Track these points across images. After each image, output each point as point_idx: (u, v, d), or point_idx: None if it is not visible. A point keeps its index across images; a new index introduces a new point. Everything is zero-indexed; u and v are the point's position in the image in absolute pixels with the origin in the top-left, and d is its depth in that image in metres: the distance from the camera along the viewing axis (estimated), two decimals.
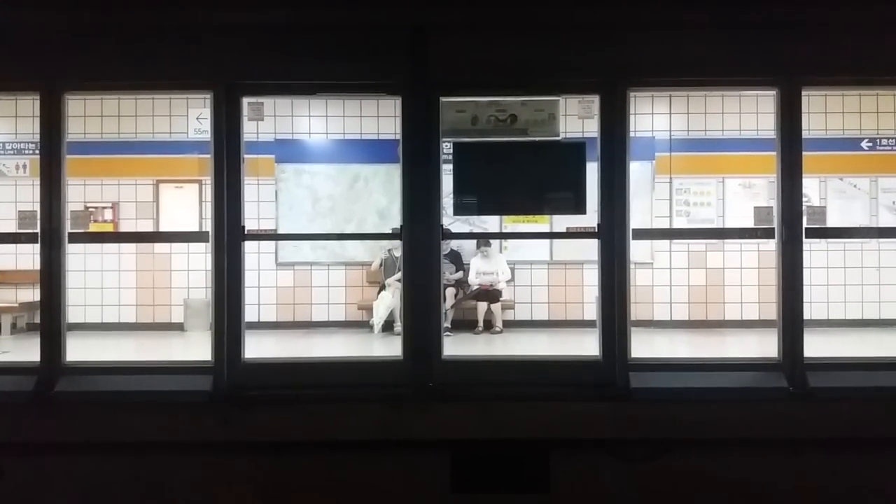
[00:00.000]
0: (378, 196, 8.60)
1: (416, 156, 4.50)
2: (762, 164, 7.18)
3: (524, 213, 7.76)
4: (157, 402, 4.36)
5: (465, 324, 8.25)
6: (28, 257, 7.01)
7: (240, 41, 4.46)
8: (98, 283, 8.37)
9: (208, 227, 4.58)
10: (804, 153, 4.49)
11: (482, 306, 8.17)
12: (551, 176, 4.77)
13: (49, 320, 4.51)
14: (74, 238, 4.65)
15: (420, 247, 4.48)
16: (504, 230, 8.63)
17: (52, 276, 4.50)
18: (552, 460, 4.40)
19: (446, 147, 5.02)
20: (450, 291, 8.02)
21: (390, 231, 6.41)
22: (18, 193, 8.26)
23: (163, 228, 8.54)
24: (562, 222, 7.48)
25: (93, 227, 7.87)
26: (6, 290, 8.37)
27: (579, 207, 4.71)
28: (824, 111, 8.23)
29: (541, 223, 8.22)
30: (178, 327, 8.33)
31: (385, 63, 4.49)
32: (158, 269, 8.50)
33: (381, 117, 8.53)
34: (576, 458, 4.40)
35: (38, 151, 4.62)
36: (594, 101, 4.56)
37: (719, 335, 7.88)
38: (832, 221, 7.82)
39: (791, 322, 4.45)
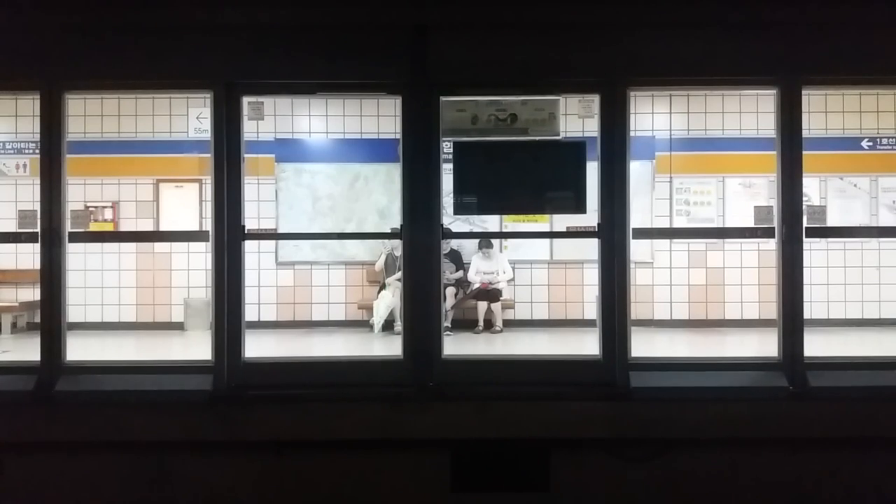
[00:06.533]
0: (378, 195, 8.60)
1: (416, 155, 4.50)
2: (762, 163, 7.19)
3: (524, 213, 7.77)
4: (157, 401, 4.36)
5: (465, 323, 8.26)
6: (28, 256, 7.01)
7: (240, 40, 4.46)
8: (98, 282, 8.38)
9: (208, 226, 4.58)
10: (804, 152, 4.49)
11: (482, 306, 8.17)
12: (551, 175, 4.77)
13: (49, 319, 4.51)
14: (74, 237, 4.64)
15: (420, 246, 4.48)
16: (504, 229, 8.64)
17: (52, 276, 4.50)
18: (552, 460, 4.41)
19: (446, 146, 5.02)
20: (450, 291, 8.03)
21: (390, 230, 6.42)
22: (19, 193, 8.26)
23: (163, 228, 8.54)
24: (562, 221, 7.46)
25: (93, 227, 7.88)
26: (6, 289, 8.38)
27: (579, 207, 4.70)
28: (824, 110, 8.24)
29: (541, 222, 8.22)
30: (179, 327, 8.33)
31: (385, 62, 4.48)
32: (159, 269, 8.51)
33: (382, 116, 8.54)
34: (576, 458, 4.40)
35: (38, 151, 4.62)
36: (594, 101, 4.55)
37: (719, 334, 7.88)
38: (832, 221, 7.82)
39: (791, 321, 4.45)
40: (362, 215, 8.59)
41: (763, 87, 4.91)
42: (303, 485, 4.40)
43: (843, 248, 8.46)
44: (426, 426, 4.33)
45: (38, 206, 4.52)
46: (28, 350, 5.18)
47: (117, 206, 8.65)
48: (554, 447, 4.39)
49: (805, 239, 4.46)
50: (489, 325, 8.15)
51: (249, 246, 4.69)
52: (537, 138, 4.79)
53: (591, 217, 4.69)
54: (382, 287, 8.11)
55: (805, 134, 4.50)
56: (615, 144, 4.48)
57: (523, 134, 4.78)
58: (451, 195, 5.10)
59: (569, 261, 8.61)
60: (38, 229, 4.50)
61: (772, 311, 4.71)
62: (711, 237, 8.64)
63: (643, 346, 4.81)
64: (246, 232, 4.55)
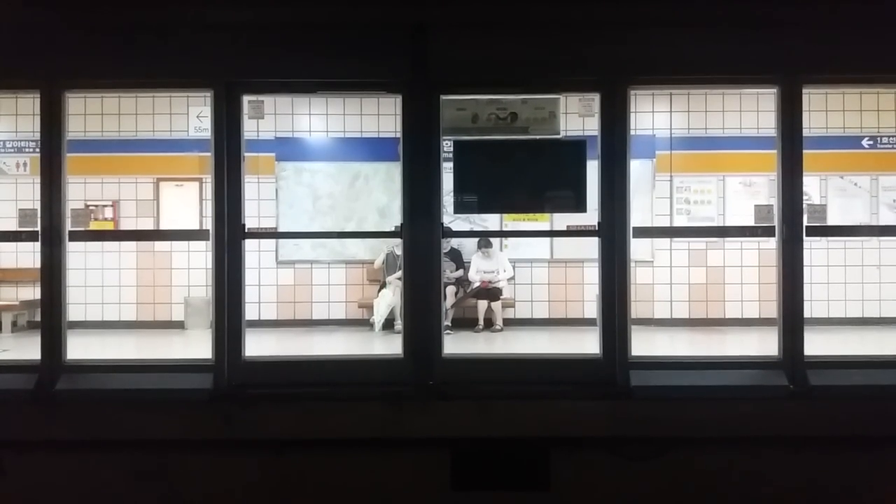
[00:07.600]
0: (378, 194, 8.60)
1: (416, 154, 4.50)
2: (763, 162, 7.18)
3: (525, 212, 7.76)
4: (157, 400, 4.36)
5: (465, 322, 8.25)
6: (29, 255, 6.99)
7: (240, 39, 4.46)
8: (98, 281, 8.38)
9: (209, 225, 4.58)
10: (805, 151, 4.49)
11: (482, 304, 8.17)
12: (552, 174, 4.77)
13: (50, 318, 4.52)
14: (75, 236, 4.65)
15: (420, 245, 4.48)
16: (504, 228, 8.64)
17: (52, 275, 4.51)
18: (553, 458, 4.41)
19: (447, 145, 5.01)
20: (450, 290, 8.02)
21: (391, 229, 6.41)
22: (19, 191, 8.26)
23: (163, 226, 8.54)
24: (562, 220, 7.39)
25: (93, 226, 7.87)
26: (7, 288, 8.38)
27: (580, 206, 4.70)
28: (825, 109, 8.23)
29: (541, 221, 8.21)
30: (179, 325, 8.33)
31: (386, 61, 4.48)
32: (159, 268, 8.51)
33: (382, 115, 8.53)
34: (576, 457, 4.40)
35: (38, 149, 4.62)
36: (594, 99, 4.55)
37: (720, 333, 7.88)
38: (833, 220, 7.80)
39: (791, 320, 4.45)
40: (362, 214, 8.59)
41: (763, 86, 4.91)
42: (303, 484, 4.40)
43: (844, 247, 8.45)
44: (426, 425, 4.33)
45: (38, 205, 4.52)
46: (28, 349, 5.18)
47: (117, 205, 8.65)
48: (554, 446, 4.39)
49: (805, 238, 4.46)
50: (489, 324, 8.15)
51: (250, 245, 4.69)
52: (538, 137, 4.79)
53: (591, 216, 4.68)
54: (383, 286, 8.11)
55: (805, 132, 4.50)
56: (615, 143, 4.48)
57: (523, 133, 4.79)
58: (452, 194, 5.09)
59: (569, 259, 8.61)
60: (38, 228, 4.50)
61: (772, 310, 4.71)
62: (712, 236, 8.63)
63: (643, 344, 4.81)
64: (246, 230, 4.55)
